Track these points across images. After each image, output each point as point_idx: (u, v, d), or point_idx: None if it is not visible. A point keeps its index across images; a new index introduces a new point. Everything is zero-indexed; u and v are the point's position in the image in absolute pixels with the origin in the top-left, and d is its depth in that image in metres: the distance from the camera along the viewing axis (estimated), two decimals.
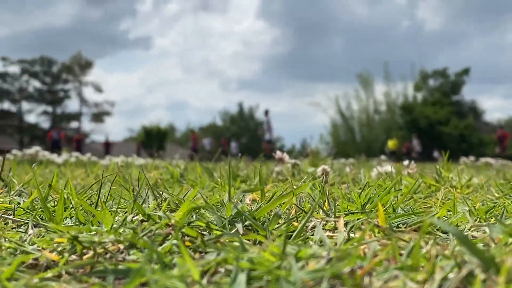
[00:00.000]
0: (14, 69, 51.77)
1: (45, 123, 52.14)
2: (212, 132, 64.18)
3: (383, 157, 8.70)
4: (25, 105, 52.33)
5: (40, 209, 1.28)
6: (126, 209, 1.47)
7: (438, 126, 43.20)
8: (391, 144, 25.82)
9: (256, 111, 66.81)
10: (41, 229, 1.12)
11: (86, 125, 55.15)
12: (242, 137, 64.45)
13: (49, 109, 52.66)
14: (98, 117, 53.03)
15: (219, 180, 2.22)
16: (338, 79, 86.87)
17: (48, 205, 1.30)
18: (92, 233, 0.97)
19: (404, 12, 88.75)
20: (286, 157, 2.92)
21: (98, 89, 52.88)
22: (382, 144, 27.94)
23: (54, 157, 5.98)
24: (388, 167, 2.83)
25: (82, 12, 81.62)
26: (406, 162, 2.96)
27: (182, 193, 1.78)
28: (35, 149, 5.99)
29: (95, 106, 52.81)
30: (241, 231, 0.98)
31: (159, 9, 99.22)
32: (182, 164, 2.98)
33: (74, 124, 53.37)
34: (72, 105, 62.68)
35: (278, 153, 2.92)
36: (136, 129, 51.08)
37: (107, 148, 27.61)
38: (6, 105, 51.92)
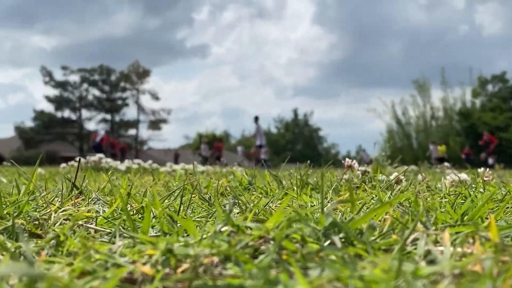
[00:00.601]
0: (74, 78, 53.09)
1: (104, 131, 53.23)
2: (266, 139, 64.20)
3: (446, 163, 8.48)
4: (85, 113, 53.66)
5: (122, 218, 1.25)
6: (205, 219, 1.43)
7: (497, 132, 42.15)
8: (439, 150, 25.46)
9: (311, 118, 66.68)
10: (125, 240, 1.09)
11: (144, 132, 55.99)
12: (297, 144, 64.32)
13: (108, 116, 53.82)
14: (155, 124, 53.80)
15: (294, 188, 2.17)
16: (394, 85, 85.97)
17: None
18: (180, 244, 0.94)
19: (462, 16, 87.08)
20: (355, 164, 2.84)
21: (155, 97, 53.70)
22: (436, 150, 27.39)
23: (117, 164, 6.04)
24: (463, 175, 2.72)
25: (141, 22, 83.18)
26: (481, 169, 2.85)
27: (254, 201, 1.74)
28: (98, 156, 6.07)
29: (152, 113, 53.62)
30: (339, 245, 0.92)
31: (215, 18, 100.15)
32: (249, 171, 2.94)
33: (132, 132, 54.31)
34: (130, 112, 63.73)
35: (348, 160, 2.85)
36: (192, 136, 51.62)
37: (123, 151, 27.13)
38: (67, 113, 53.33)
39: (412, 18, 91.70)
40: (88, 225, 1.22)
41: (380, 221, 1.17)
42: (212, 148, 25.38)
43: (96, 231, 1.22)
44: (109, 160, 6.18)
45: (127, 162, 6.60)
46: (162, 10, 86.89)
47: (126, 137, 54.17)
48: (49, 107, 54.11)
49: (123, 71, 53.29)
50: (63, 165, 6.37)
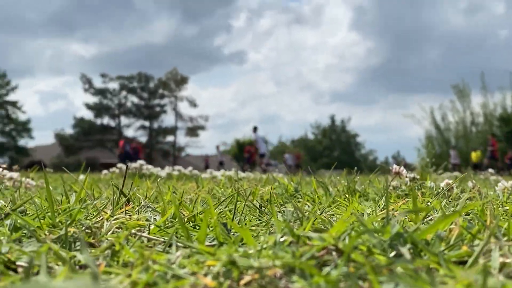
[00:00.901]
0: (113, 85, 53.74)
1: (142, 137, 53.79)
2: (303, 145, 64.02)
3: (490, 170, 8.29)
4: (124, 120, 54.25)
5: (176, 227, 1.23)
6: (259, 228, 1.39)
7: None
8: (474, 156, 25.10)
9: (348, 124, 66.26)
10: (180, 249, 1.05)
11: (181, 139, 56.30)
12: (334, 150, 63.96)
13: (146, 123, 54.26)
14: (192, 131, 54.04)
15: (343, 196, 2.11)
16: (433, 90, 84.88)
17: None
18: (239, 254, 0.90)
19: (502, 20, 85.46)
20: (403, 171, 2.77)
21: (193, 103, 53.95)
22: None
23: (158, 170, 6.06)
24: None
25: (179, 29, 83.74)
26: None
27: (303, 209, 1.70)
28: (139, 162, 6.09)
29: (190, 120, 53.87)
30: (408, 256, 0.87)
31: (252, 24, 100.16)
32: (294, 178, 2.89)
33: (170, 138, 54.69)
34: (168, 119, 64.06)
35: (395, 167, 2.78)
36: (229, 143, 51.60)
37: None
38: (106, 120, 54.00)
39: (451, 22, 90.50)
40: (141, 234, 1.19)
41: (445, 231, 1.11)
42: (244, 151, 25.40)
43: (149, 240, 1.19)
44: (150, 166, 6.20)
45: (167, 169, 6.61)
46: (200, 18, 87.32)
47: (164, 144, 54.58)
48: (88, 114, 54.87)
49: (161, 78, 53.71)
50: (105, 171, 6.41)
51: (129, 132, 53.91)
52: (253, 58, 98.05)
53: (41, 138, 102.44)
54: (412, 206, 1.10)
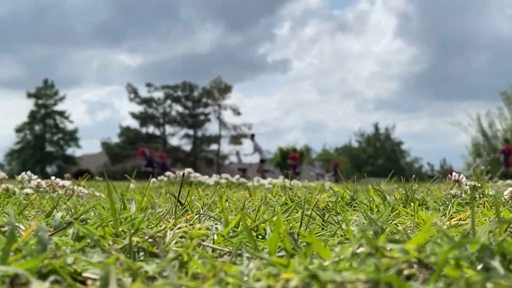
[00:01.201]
0: (158, 94, 54.38)
1: (187, 146, 54.24)
2: (347, 153, 63.61)
3: None
4: (168, 129, 54.80)
5: (242, 237, 1.18)
6: (325, 237, 1.34)
7: None
8: None
9: (393, 132, 65.60)
10: (250, 261, 1.01)
11: (225, 147, 56.40)
12: (378, 158, 63.39)
13: (191, 132, 54.68)
14: (236, 139, 54.16)
15: (410, 204, 2.04)
16: (480, 97, 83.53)
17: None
18: (314, 266, 0.85)
19: None
20: (463, 178, 2.68)
21: (237, 112, 54.13)
22: None
23: (205, 178, 6.05)
24: None
25: (223, 38, 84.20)
26: None
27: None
28: (187, 170, 6.09)
29: (233, 128, 54.05)
30: (501, 271, 0.80)
31: (296, 32, 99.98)
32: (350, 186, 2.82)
33: (213, 147, 54.96)
34: (212, 128, 64.47)
35: (455, 175, 2.69)
36: (273, 151, 51.47)
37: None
38: (151, 129, 54.63)
39: (498, 28, 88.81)
40: (207, 244, 1.15)
41: None
42: (288, 158, 25.30)
43: (213, 250, 1.15)
44: (197, 174, 6.19)
45: (214, 177, 6.60)
46: (244, 27, 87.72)
47: (208, 152, 54.87)
48: (134, 123, 55.59)
49: (205, 87, 54.03)
50: (153, 180, 6.43)
51: (173, 141, 54.45)
52: (297, 66, 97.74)
53: (88, 147, 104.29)
54: (497, 216, 1.03)
